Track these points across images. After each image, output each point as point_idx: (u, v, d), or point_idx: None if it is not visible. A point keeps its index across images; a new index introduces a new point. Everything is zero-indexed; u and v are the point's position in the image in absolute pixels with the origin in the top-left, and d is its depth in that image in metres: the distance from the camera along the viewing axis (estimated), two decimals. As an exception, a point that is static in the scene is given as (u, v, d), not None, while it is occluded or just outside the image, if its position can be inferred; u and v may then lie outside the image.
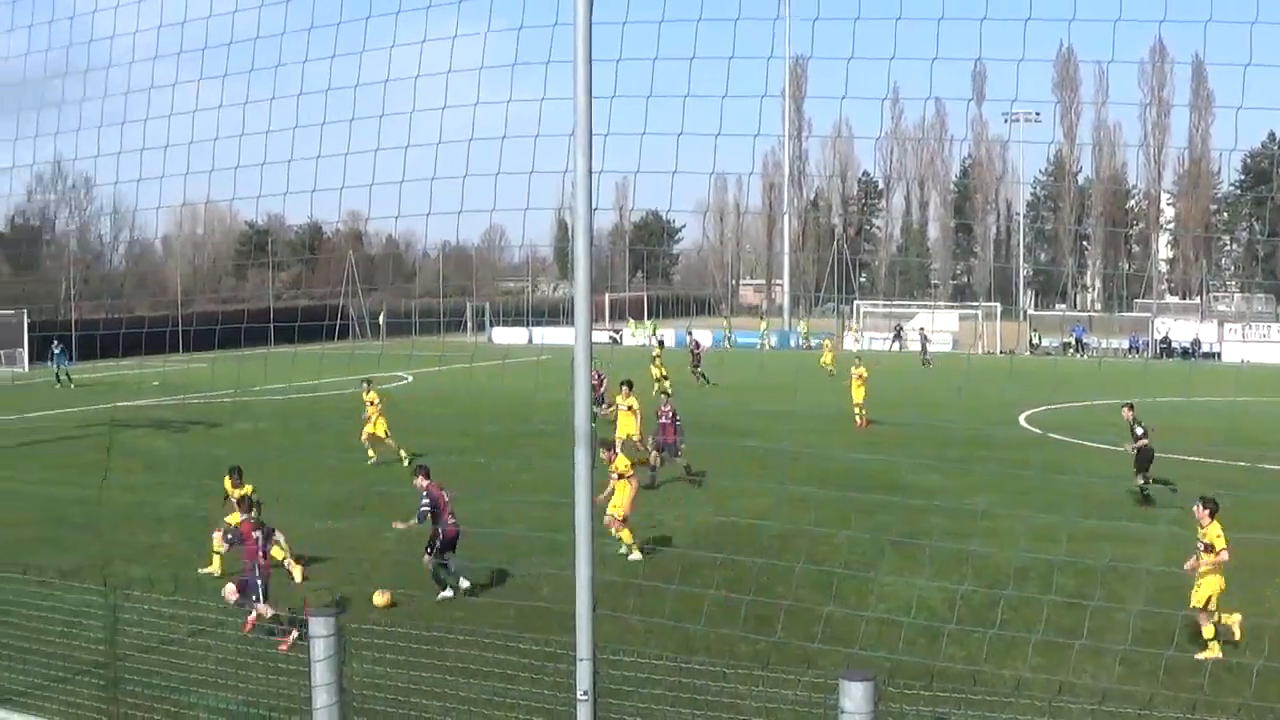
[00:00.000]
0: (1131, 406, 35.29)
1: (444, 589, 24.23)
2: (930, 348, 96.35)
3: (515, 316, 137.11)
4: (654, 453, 37.04)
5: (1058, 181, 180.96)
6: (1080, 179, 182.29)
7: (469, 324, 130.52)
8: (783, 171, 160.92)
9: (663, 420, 37.95)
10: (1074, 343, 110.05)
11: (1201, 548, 20.41)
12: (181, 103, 16.76)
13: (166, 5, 16.73)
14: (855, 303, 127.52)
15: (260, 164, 15.96)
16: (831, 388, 54.57)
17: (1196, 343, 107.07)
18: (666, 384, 59.94)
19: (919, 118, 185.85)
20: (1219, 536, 20.22)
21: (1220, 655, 19.78)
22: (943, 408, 54.66)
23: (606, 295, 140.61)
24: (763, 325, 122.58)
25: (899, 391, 56.40)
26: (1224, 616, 20.32)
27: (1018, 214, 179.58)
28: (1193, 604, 20.25)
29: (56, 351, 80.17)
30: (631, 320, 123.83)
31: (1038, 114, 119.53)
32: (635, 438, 38.39)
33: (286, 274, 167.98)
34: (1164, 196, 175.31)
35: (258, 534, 22.45)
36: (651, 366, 63.17)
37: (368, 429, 41.86)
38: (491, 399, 59.51)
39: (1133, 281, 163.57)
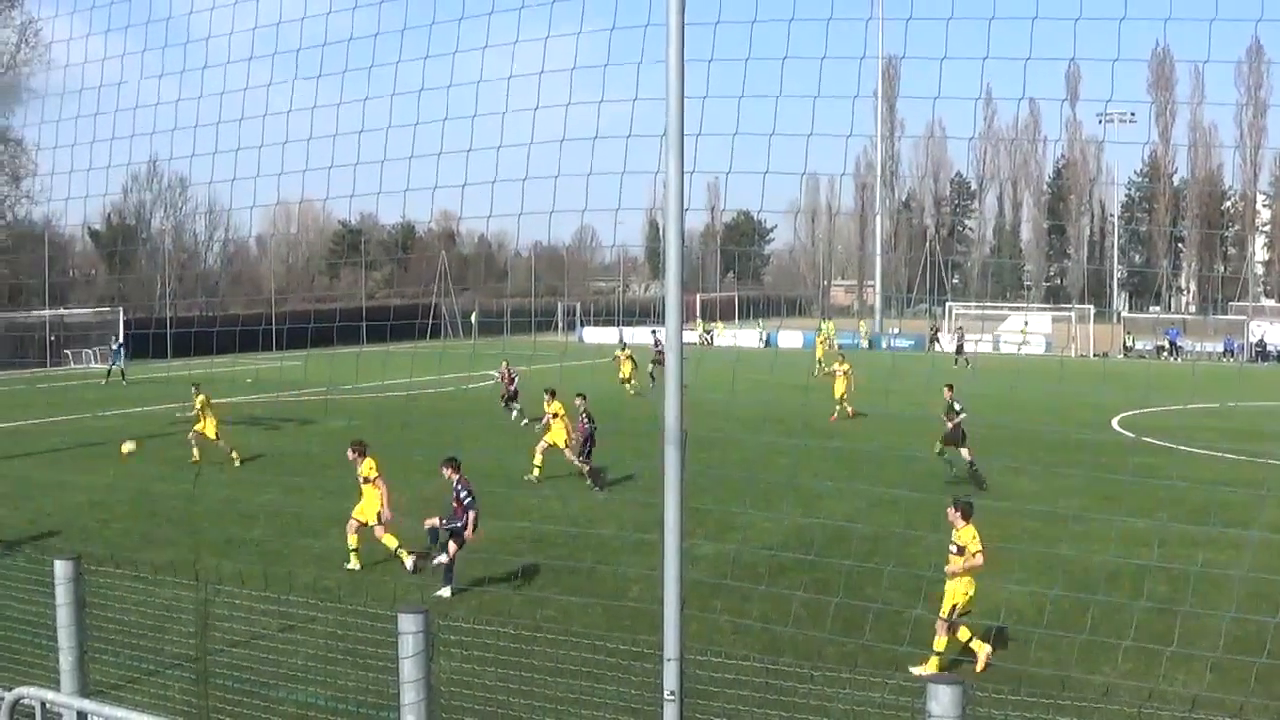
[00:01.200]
0: (951, 387, 37.98)
1: (416, 572, 24.20)
2: (967, 347, 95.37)
3: (606, 316, 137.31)
4: (578, 460, 36.82)
5: (1152, 183, 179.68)
6: (1175, 180, 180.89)
7: (560, 323, 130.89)
8: (875, 172, 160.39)
9: (580, 425, 37.39)
10: (1168, 346, 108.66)
11: (954, 550, 19.88)
12: (276, 103, 16.94)
13: (262, 7, 16.89)
14: (947, 304, 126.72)
15: (354, 164, 16.09)
16: (925, 388, 54.25)
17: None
18: (631, 384, 62.30)
19: (1012, 118, 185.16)
20: (973, 539, 19.62)
21: (936, 670, 18.83)
22: (1033, 410, 54.32)
23: (698, 295, 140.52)
24: (824, 326, 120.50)
25: (989, 393, 56.10)
26: (974, 641, 19.52)
27: (1112, 215, 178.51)
28: (942, 613, 19.61)
29: (115, 348, 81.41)
30: (700, 320, 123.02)
31: (1132, 114, 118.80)
32: (564, 445, 37.81)
33: (379, 273, 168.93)
34: (1260, 198, 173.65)
35: None
36: (620, 360, 64.31)
37: (196, 428, 41.74)
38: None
39: (1228, 284, 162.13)
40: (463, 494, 24.45)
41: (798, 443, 41.26)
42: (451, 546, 24.22)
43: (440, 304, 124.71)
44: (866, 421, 50.89)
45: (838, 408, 52.44)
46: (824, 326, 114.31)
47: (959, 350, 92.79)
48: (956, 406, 37.09)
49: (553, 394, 39.01)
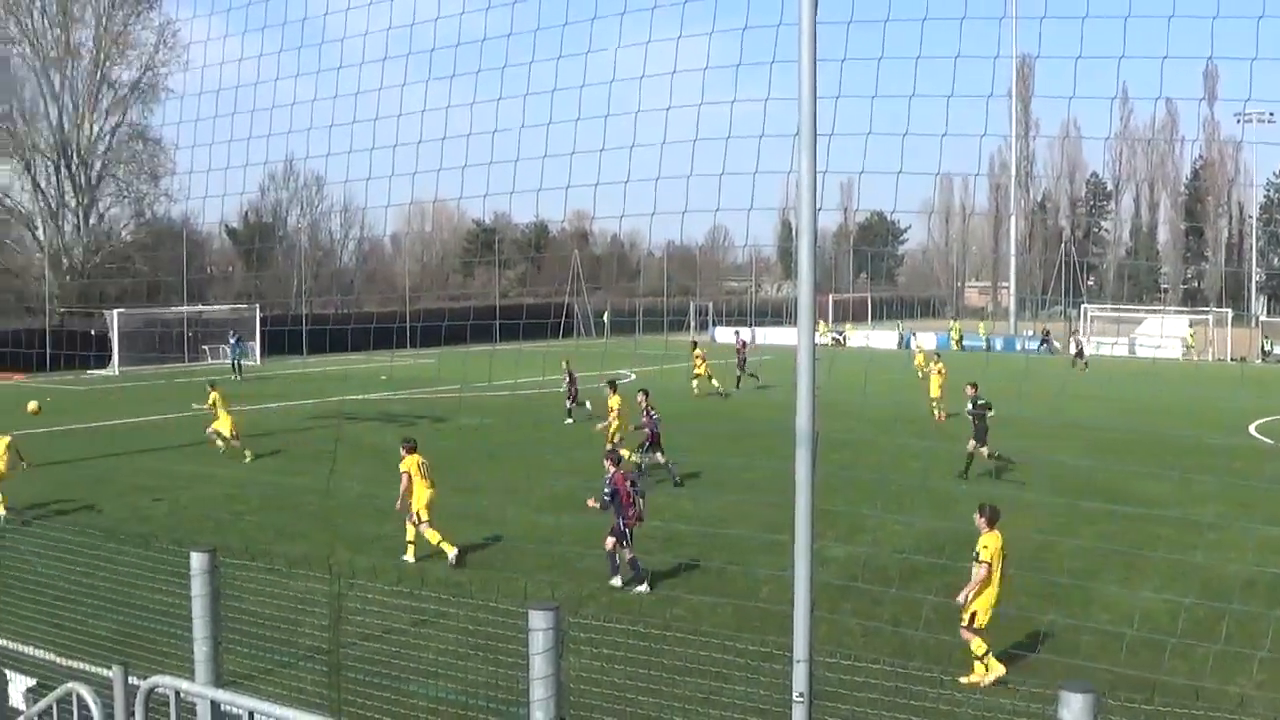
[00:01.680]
0: (975, 386, 39.89)
1: (642, 583, 24.41)
2: (1087, 350, 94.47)
3: (738, 316, 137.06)
4: (638, 455, 37.24)
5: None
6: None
7: (692, 323, 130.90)
8: (1009, 172, 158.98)
9: (643, 420, 38.08)
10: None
11: (975, 558, 19.47)
12: (410, 103, 17.04)
13: (396, 8, 17.03)
14: (1083, 306, 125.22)
15: (488, 163, 16.18)
16: (1060, 391, 53.75)
17: None
18: (713, 382, 62.71)
19: (1149, 118, 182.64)
20: (985, 548, 19.11)
21: (985, 680, 18.54)
22: (1167, 415, 53.67)
23: (830, 296, 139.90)
24: (954, 325, 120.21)
25: (1121, 397, 55.54)
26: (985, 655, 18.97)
27: (1250, 217, 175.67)
28: (962, 619, 19.23)
29: (232, 343, 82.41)
30: (824, 323, 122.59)
31: (1271, 114, 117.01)
32: (619, 438, 39.03)
33: (513, 272, 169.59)
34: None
35: None
36: (695, 362, 64.57)
37: (213, 425, 43.03)
38: (714, 398, 59.68)
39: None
40: (604, 490, 24.73)
41: (930, 445, 41.00)
42: (609, 540, 24.55)
43: (573, 303, 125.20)
44: (1002, 424, 50.40)
45: (935, 407, 53.36)
46: (954, 326, 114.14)
47: (1079, 354, 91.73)
48: (979, 402, 39.10)
49: (614, 387, 40.72)
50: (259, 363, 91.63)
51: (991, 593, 19.16)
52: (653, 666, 16.89)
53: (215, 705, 10.87)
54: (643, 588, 24.20)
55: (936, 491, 34.06)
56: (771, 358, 66.11)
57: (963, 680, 18.47)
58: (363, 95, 17.61)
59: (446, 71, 16.68)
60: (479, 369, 56.40)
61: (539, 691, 10.49)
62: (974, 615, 19.03)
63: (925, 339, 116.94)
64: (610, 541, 24.56)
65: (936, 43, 12.47)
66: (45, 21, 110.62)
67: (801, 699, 11.32)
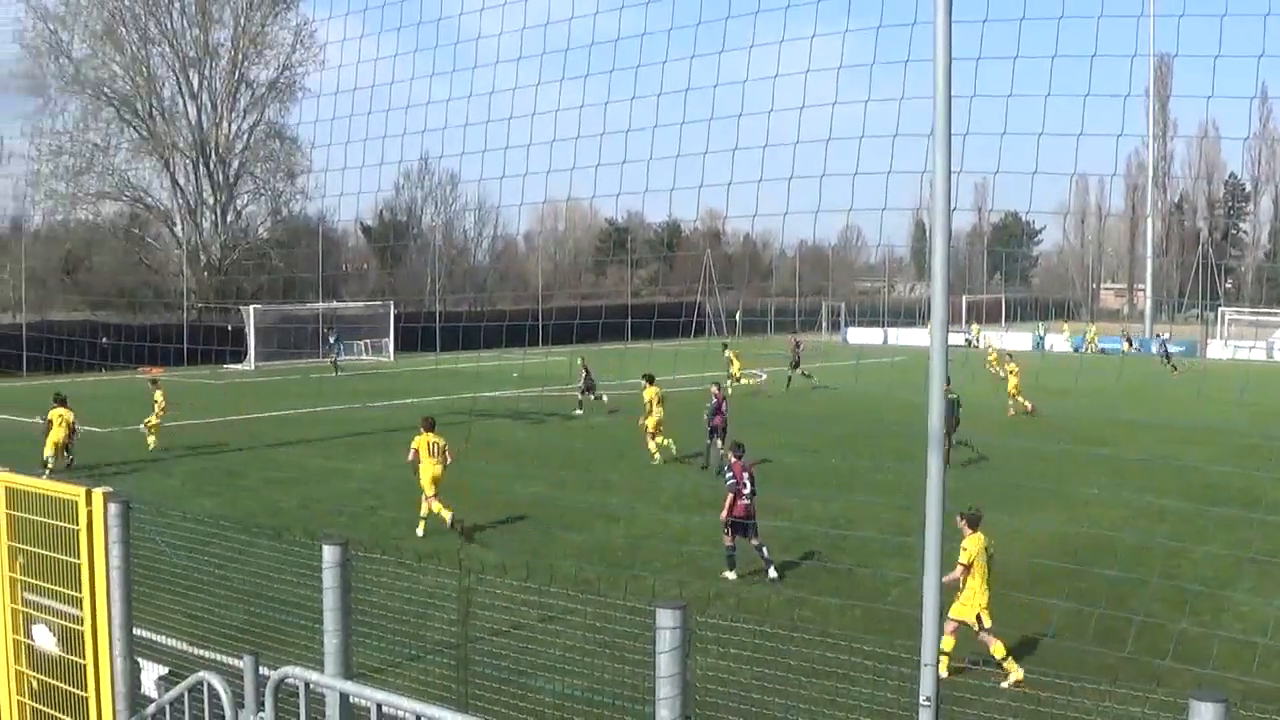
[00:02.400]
0: (948, 381, 39.65)
1: (732, 569, 24.94)
2: (1173, 351, 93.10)
3: (871, 316, 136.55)
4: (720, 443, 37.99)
5: None
6: None
7: (824, 323, 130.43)
8: (1146, 173, 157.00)
9: (710, 406, 39.61)
10: None
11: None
12: (544, 103, 17.13)
13: (530, 8, 17.10)
14: (1220, 309, 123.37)
15: (620, 162, 16.22)
16: (1197, 396, 53.09)
17: None
18: (740, 382, 63.44)
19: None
20: (965, 550, 19.06)
21: (1020, 676, 18.28)
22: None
23: (964, 297, 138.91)
24: (1065, 329, 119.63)
25: (1263, 403, 54.69)
26: (1007, 657, 18.79)
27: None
28: (969, 620, 19.11)
29: (333, 340, 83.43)
30: (976, 326, 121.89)
31: None
32: (655, 428, 40.49)
33: (645, 271, 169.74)
34: None
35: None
36: (730, 360, 65.04)
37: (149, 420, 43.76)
38: (845, 399, 59.49)
39: None
40: (728, 479, 25.04)
41: (1063, 447, 40.57)
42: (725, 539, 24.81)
43: (704, 302, 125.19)
44: (1137, 428, 49.78)
45: (1012, 403, 55.32)
46: (1091, 330, 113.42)
47: (1166, 356, 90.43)
48: (951, 397, 39.70)
49: (651, 380, 41.30)
50: (391, 359, 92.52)
51: (983, 594, 19.21)
52: (779, 667, 16.87)
53: (344, 697, 10.94)
54: (730, 574, 24.70)
55: (1067, 495, 33.68)
56: (904, 359, 65.71)
57: (1004, 685, 18.29)
58: (497, 95, 17.74)
59: (580, 71, 16.76)
60: (609, 367, 56.59)
61: (665, 690, 10.49)
62: (979, 618, 18.99)
63: (1057, 340, 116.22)
64: (755, 541, 24.83)
65: (1072, 41, 12.35)
66: (184, 22, 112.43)
67: (929, 703, 11.25)
